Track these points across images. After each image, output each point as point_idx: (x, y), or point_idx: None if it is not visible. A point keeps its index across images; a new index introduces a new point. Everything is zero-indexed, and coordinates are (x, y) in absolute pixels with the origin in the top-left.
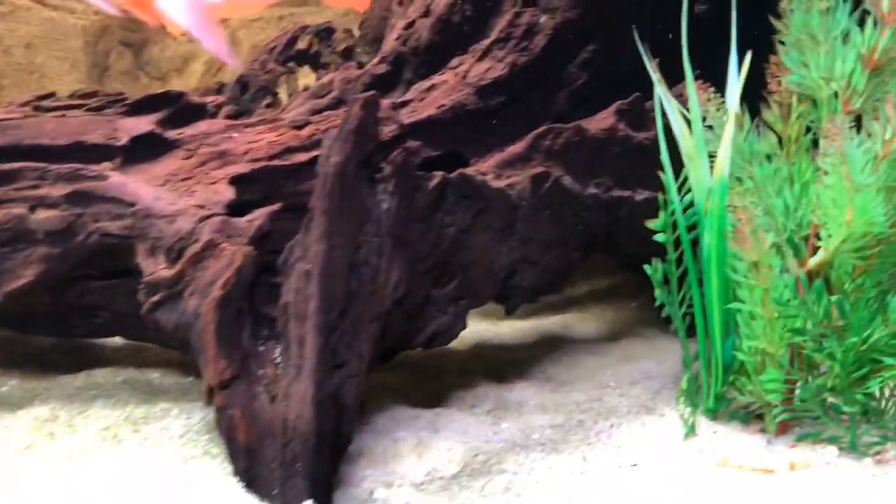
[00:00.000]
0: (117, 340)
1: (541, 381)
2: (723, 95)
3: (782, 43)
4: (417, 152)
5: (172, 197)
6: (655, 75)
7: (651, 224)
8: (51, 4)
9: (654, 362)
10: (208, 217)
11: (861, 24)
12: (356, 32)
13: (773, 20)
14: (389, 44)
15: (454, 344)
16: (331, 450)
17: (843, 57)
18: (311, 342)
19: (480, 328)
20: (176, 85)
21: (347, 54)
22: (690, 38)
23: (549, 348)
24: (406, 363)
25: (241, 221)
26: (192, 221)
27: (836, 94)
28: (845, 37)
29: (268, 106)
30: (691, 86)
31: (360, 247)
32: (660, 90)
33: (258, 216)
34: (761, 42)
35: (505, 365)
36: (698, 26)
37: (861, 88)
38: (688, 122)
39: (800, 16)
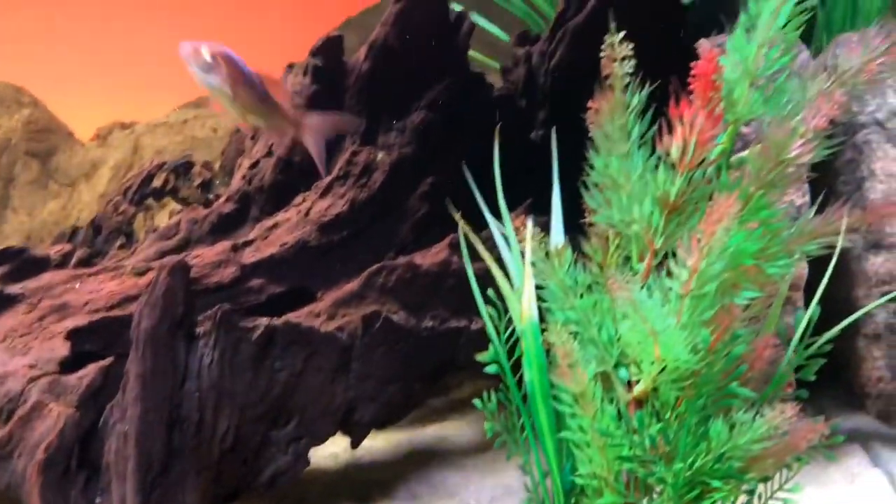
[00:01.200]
0: None
1: (405, 501)
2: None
3: (585, 186)
4: (261, 291)
5: (5, 357)
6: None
7: (479, 357)
8: None
9: (519, 473)
10: (38, 377)
11: (657, 166)
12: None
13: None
14: (236, 182)
15: (323, 463)
16: None
17: (640, 200)
18: (132, 501)
19: (341, 449)
20: (84, 191)
21: (206, 187)
22: (527, 164)
23: (419, 464)
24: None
25: (72, 379)
26: (22, 382)
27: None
28: (642, 178)
29: (121, 247)
30: (508, 223)
31: (181, 403)
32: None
33: (89, 372)
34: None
35: (372, 485)
36: (535, 152)
37: (661, 229)
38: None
39: (601, 160)
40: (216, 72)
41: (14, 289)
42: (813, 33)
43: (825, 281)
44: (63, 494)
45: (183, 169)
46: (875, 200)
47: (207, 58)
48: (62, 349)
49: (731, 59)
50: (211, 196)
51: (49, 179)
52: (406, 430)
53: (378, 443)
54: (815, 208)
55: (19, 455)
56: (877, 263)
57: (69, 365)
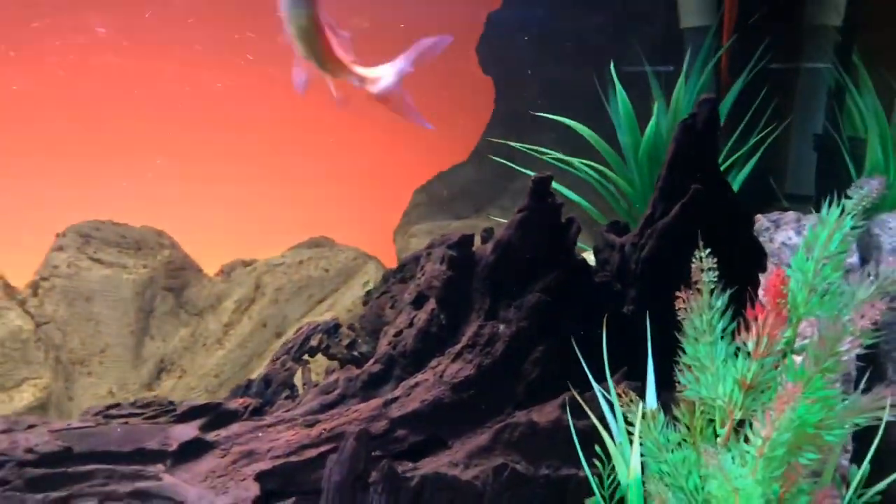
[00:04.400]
0: None
1: None
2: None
3: (677, 363)
4: (404, 440)
5: (211, 496)
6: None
7: (588, 501)
8: (107, 262)
9: None
10: None
11: (736, 353)
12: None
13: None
14: (382, 347)
15: None
16: None
17: (723, 380)
18: None
19: None
20: (210, 320)
21: (351, 346)
22: (620, 335)
23: None
24: None
25: None
26: None
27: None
28: (725, 361)
29: (287, 397)
30: (611, 387)
31: None
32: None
33: None
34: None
35: None
36: (626, 324)
37: (740, 403)
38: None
39: (690, 346)
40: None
41: (210, 436)
42: None
43: (874, 446)
44: None
45: (333, 329)
46: None
47: None
48: (254, 489)
49: (794, 275)
50: (356, 353)
51: (181, 310)
52: None
53: None
54: (861, 385)
55: None
56: None
57: (260, 502)
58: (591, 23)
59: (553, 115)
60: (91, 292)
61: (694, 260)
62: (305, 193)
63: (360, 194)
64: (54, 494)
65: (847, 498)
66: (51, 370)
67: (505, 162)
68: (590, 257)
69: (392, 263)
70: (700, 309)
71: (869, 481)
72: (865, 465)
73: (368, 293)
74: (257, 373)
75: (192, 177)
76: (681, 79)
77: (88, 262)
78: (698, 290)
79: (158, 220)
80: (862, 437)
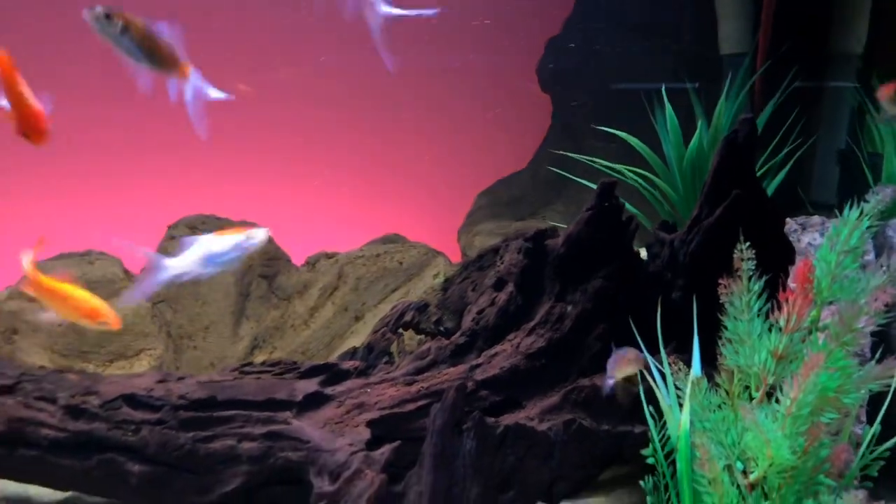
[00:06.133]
0: None
1: None
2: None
3: (720, 341)
4: (486, 399)
5: (332, 437)
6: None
7: (643, 451)
8: None
9: None
10: (356, 452)
11: (770, 329)
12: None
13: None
14: (467, 323)
15: None
16: None
17: (759, 350)
18: None
19: None
20: (297, 304)
21: (438, 323)
22: (670, 316)
23: None
24: None
25: (376, 454)
26: (346, 455)
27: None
28: (760, 336)
29: (385, 362)
30: (665, 361)
31: (454, 474)
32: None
33: (386, 451)
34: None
35: None
36: (675, 308)
37: (773, 370)
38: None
39: (731, 323)
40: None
41: (328, 390)
42: None
43: (884, 407)
44: None
45: (422, 308)
46: None
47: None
48: (366, 434)
49: (819, 264)
50: (441, 328)
51: (272, 295)
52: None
53: None
54: (876, 357)
55: (346, 503)
56: None
57: (372, 445)
58: (639, 48)
59: (605, 128)
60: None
61: (735, 252)
62: (381, 196)
63: (428, 197)
64: (202, 434)
65: (860, 453)
66: (163, 343)
67: (559, 172)
68: (642, 253)
69: (456, 259)
70: (740, 292)
71: (879, 440)
72: (876, 425)
73: (447, 280)
74: (338, 353)
75: (284, 179)
76: (721, 100)
77: None
78: (739, 277)
79: (255, 216)
80: (874, 403)
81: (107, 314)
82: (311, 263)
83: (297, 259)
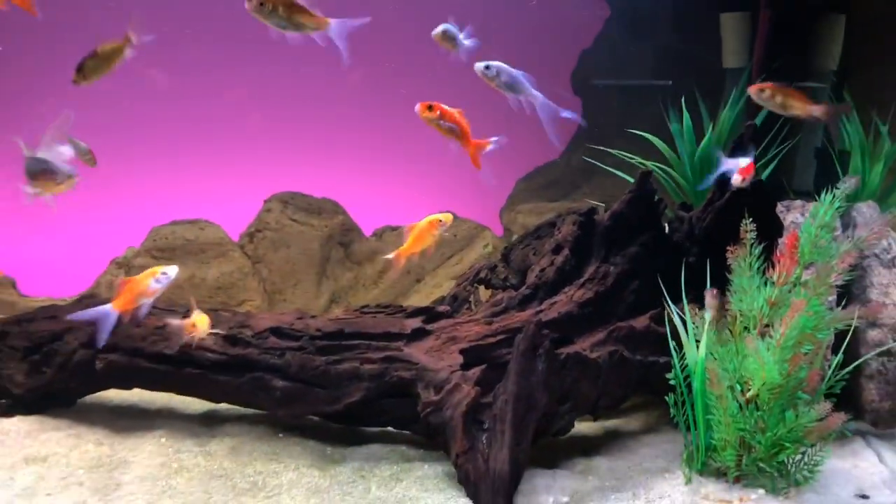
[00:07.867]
0: (374, 430)
1: (608, 456)
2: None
3: (727, 294)
4: (547, 336)
5: (434, 361)
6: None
7: (667, 375)
8: (300, 221)
9: (670, 445)
10: (454, 371)
11: (765, 283)
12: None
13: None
14: (531, 279)
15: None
16: (514, 485)
17: (757, 299)
18: (507, 434)
19: (581, 427)
20: (367, 268)
21: (505, 280)
22: (687, 276)
23: (611, 438)
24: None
25: (469, 373)
26: (447, 373)
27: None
28: (758, 288)
29: (466, 309)
30: (686, 308)
31: (530, 386)
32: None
33: (476, 371)
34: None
35: (592, 447)
36: (691, 269)
37: (767, 314)
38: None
39: (736, 278)
40: None
41: (428, 327)
42: None
43: (845, 343)
44: (469, 429)
45: (493, 267)
46: (873, 301)
47: None
48: (459, 359)
49: (802, 235)
50: (508, 284)
51: (347, 260)
52: (600, 421)
53: (593, 427)
54: (841, 305)
55: (447, 409)
56: (873, 334)
57: (465, 367)
58: (657, 61)
59: (629, 129)
60: (289, 242)
61: (741, 226)
62: (435, 180)
63: (475, 181)
64: (333, 357)
65: (827, 376)
66: (260, 296)
67: (590, 160)
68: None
69: (499, 234)
70: (744, 255)
71: (842, 367)
72: (840, 355)
73: (508, 247)
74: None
75: (355, 164)
76: (727, 108)
77: (288, 220)
78: (743, 244)
79: (335, 195)
80: (839, 339)
81: None
82: (379, 234)
83: (367, 230)
